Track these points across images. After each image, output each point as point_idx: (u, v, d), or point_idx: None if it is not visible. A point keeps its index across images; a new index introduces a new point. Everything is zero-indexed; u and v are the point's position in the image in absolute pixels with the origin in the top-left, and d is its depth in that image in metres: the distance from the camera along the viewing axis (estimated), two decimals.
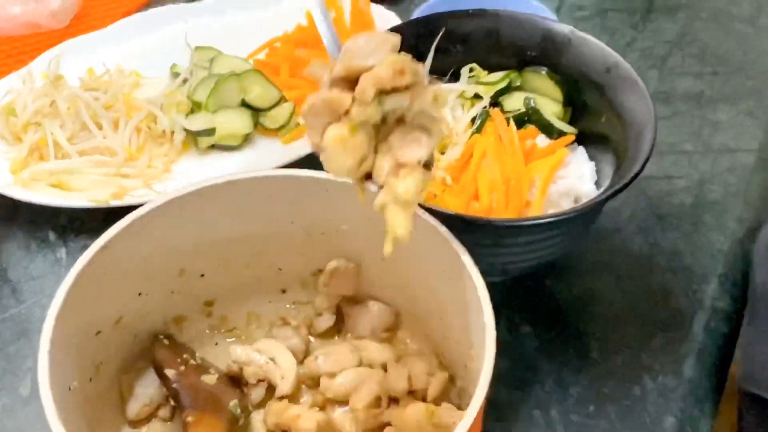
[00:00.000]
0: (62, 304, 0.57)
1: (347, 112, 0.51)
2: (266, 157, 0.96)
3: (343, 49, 0.52)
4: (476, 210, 0.75)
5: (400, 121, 0.54)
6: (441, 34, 0.86)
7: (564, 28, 0.84)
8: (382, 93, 0.51)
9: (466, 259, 0.60)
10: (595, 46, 0.82)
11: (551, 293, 0.83)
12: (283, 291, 0.75)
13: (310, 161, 0.94)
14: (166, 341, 0.68)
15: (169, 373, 0.66)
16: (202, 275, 0.70)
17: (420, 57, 0.86)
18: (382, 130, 0.54)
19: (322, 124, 0.52)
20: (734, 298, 0.83)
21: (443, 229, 0.61)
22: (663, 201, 0.92)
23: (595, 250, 0.87)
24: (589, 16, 1.20)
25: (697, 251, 0.87)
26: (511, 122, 0.82)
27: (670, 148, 0.98)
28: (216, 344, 0.73)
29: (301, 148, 0.95)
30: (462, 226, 0.68)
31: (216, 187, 0.65)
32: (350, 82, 0.52)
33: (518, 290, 0.83)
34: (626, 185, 0.70)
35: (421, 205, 0.64)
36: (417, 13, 1.05)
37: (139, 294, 0.66)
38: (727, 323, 0.81)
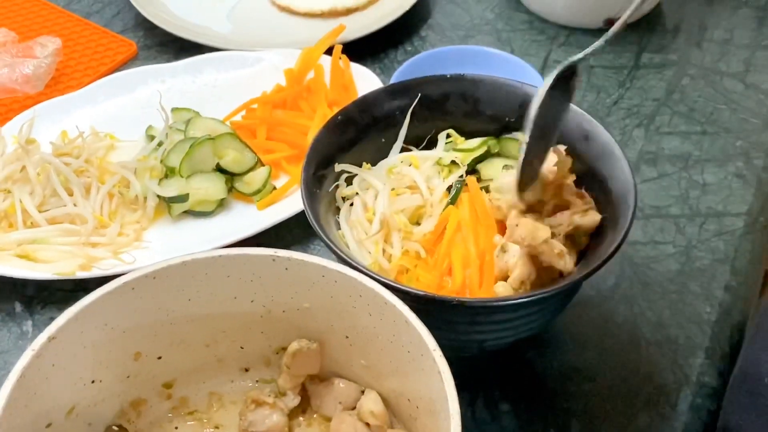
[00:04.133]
0: (6, 401, 0.54)
1: None
2: (241, 224, 0.94)
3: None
4: (449, 289, 0.73)
5: None
6: (417, 99, 0.84)
7: None
8: None
9: (430, 341, 0.58)
10: (573, 113, 0.80)
11: (532, 368, 0.81)
12: (246, 370, 0.72)
13: (287, 227, 0.93)
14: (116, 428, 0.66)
15: None
16: (160, 357, 0.68)
17: (395, 123, 0.84)
18: None
19: None
20: (721, 372, 0.81)
21: (406, 310, 0.59)
22: (649, 268, 0.90)
23: (577, 321, 0.84)
24: None
25: (684, 322, 0.85)
26: (487, 192, 0.80)
27: (656, 211, 0.96)
28: (176, 429, 0.70)
29: (277, 213, 0.94)
30: (434, 305, 0.67)
31: (170, 269, 0.63)
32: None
33: (497, 365, 0.80)
34: (605, 261, 0.68)
35: (387, 284, 0.63)
36: (397, 74, 1.04)
37: (93, 381, 0.63)
38: (713, 400, 0.78)
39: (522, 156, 0.70)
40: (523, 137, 0.70)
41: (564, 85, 0.71)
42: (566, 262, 0.71)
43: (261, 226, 0.91)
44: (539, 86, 0.71)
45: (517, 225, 0.71)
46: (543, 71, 1.17)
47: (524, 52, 1.20)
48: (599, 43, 0.71)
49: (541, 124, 0.69)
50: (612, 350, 0.82)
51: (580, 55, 0.71)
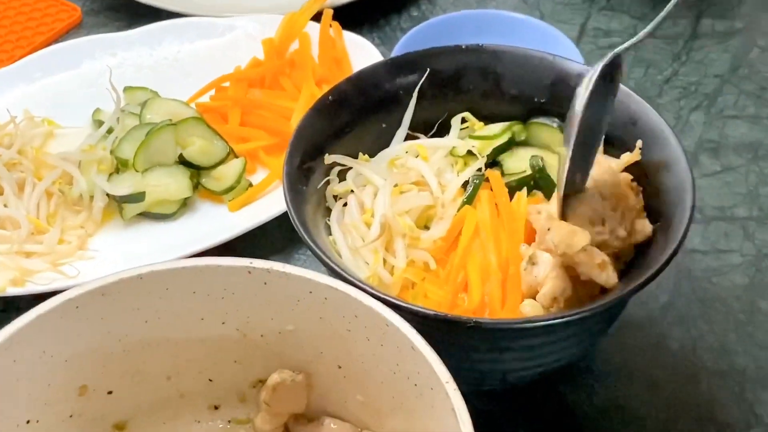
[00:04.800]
0: None
1: None
2: (209, 228, 0.94)
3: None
4: (465, 308, 0.73)
5: None
6: (426, 75, 0.85)
7: (580, 69, 0.83)
8: None
9: (442, 372, 0.58)
10: (619, 92, 0.80)
11: (565, 404, 0.81)
12: (216, 407, 0.72)
13: (267, 232, 0.93)
14: None
15: None
16: (110, 392, 0.68)
17: (399, 104, 0.85)
18: None
19: None
20: None
21: (412, 334, 0.59)
22: (710, 282, 0.90)
23: (621, 347, 0.85)
24: (619, 44, 1.18)
25: (753, 348, 0.85)
26: (520, 191, 0.80)
27: (718, 213, 0.96)
28: None
29: (253, 216, 0.94)
30: (446, 327, 0.67)
31: (123, 283, 0.62)
32: None
33: (523, 400, 0.81)
34: (656, 274, 0.68)
35: (389, 302, 0.63)
36: (400, 45, 1.04)
37: (27, 422, 0.63)
38: None
39: (565, 173, 0.70)
40: (564, 150, 0.70)
41: (606, 78, 0.71)
42: (609, 275, 0.71)
43: (234, 232, 0.91)
44: (580, 75, 0.71)
45: (549, 229, 0.71)
46: (579, 41, 1.18)
47: (556, 18, 1.20)
48: (653, 25, 0.71)
49: (585, 128, 0.70)
50: (664, 383, 0.82)
51: (628, 44, 0.72)
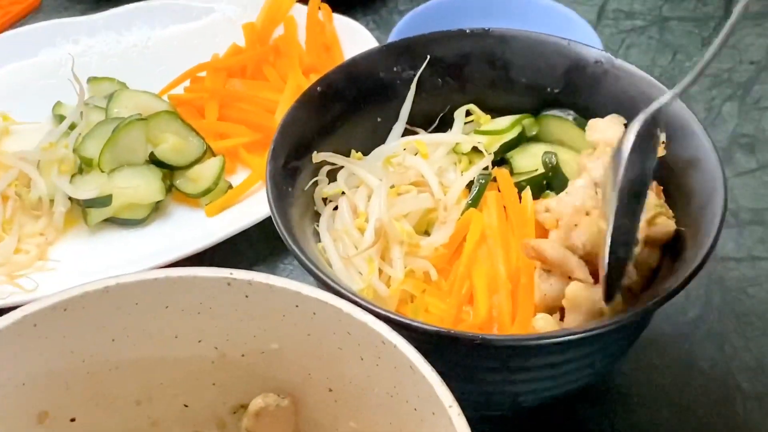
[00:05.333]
0: None
1: None
2: (184, 235, 0.94)
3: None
4: (471, 323, 0.73)
5: None
6: (426, 63, 0.85)
7: (597, 55, 0.83)
8: None
9: (444, 395, 0.58)
10: (639, 79, 0.81)
11: (585, 429, 0.81)
12: None
13: (248, 239, 0.93)
14: None
15: None
16: (73, 419, 0.67)
17: (396, 95, 0.85)
18: None
19: None
20: None
21: (411, 353, 0.59)
22: (745, 293, 0.90)
23: (646, 366, 0.85)
24: (643, 27, 1.20)
25: None
26: (526, 190, 0.81)
27: (754, 216, 0.97)
28: None
29: (233, 221, 0.94)
30: (450, 345, 0.67)
31: (87, 297, 0.62)
32: None
33: (536, 426, 0.81)
34: (684, 284, 0.68)
35: (385, 317, 0.64)
36: (398, 29, 1.04)
37: None
38: None
39: (607, 252, 0.68)
40: (603, 222, 0.69)
41: (646, 138, 0.69)
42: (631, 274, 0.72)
43: (212, 239, 0.92)
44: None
45: (576, 225, 0.71)
46: (597, 24, 1.18)
47: None
48: (696, 71, 0.70)
49: (625, 197, 0.68)
50: (695, 407, 0.82)
51: (668, 96, 0.70)
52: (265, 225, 0.91)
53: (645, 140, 0.68)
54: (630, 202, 0.68)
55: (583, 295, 0.70)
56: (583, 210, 0.73)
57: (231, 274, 0.63)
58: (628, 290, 0.74)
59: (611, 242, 0.66)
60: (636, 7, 1.22)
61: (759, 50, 1.14)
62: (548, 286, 0.72)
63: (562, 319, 0.72)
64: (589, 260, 0.71)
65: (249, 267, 0.75)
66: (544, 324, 0.71)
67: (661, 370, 0.85)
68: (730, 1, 1.20)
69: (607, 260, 0.67)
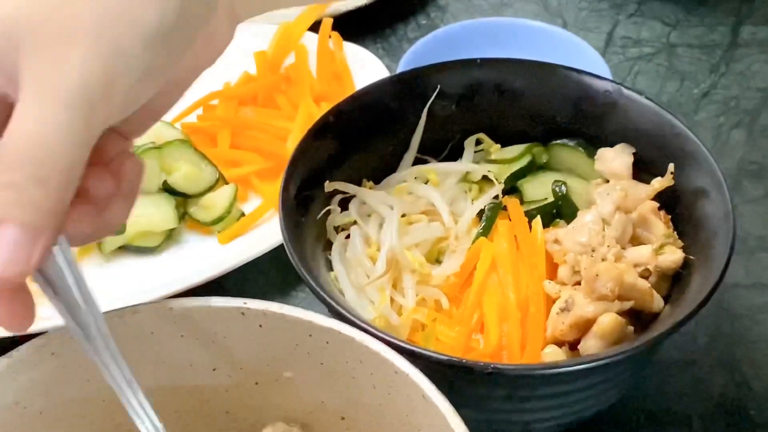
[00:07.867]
0: None
1: None
2: (197, 264, 0.94)
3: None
4: (481, 351, 0.74)
5: None
6: (436, 92, 0.86)
7: (607, 86, 0.84)
8: None
9: (456, 424, 0.58)
10: (649, 110, 0.81)
11: None
12: None
13: (261, 268, 0.94)
14: None
15: None
16: None
17: (406, 125, 0.85)
18: None
19: None
20: None
21: (423, 382, 0.59)
22: (754, 321, 0.90)
23: (657, 393, 0.84)
24: (651, 54, 1.20)
25: None
26: (536, 219, 0.81)
27: (763, 243, 0.97)
28: None
29: (246, 249, 0.94)
30: (461, 374, 0.67)
31: None
32: None
33: None
34: (694, 312, 0.69)
35: (397, 346, 0.64)
36: (407, 58, 1.05)
37: None
38: None
39: None
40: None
41: None
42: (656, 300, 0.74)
43: (225, 267, 0.92)
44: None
45: (597, 275, 0.72)
46: (605, 52, 1.19)
47: (580, 26, 1.21)
48: None
49: None
50: None
51: None
52: (278, 253, 0.91)
53: None
54: None
55: (618, 329, 0.71)
56: (590, 247, 0.74)
57: (245, 303, 0.64)
58: (637, 319, 0.74)
59: None
60: (644, 35, 1.23)
61: (766, 77, 1.15)
62: (561, 323, 0.73)
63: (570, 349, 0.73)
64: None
65: (262, 294, 0.75)
66: (553, 356, 0.72)
67: (670, 397, 0.84)
68: (737, 28, 1.20)
69: None
